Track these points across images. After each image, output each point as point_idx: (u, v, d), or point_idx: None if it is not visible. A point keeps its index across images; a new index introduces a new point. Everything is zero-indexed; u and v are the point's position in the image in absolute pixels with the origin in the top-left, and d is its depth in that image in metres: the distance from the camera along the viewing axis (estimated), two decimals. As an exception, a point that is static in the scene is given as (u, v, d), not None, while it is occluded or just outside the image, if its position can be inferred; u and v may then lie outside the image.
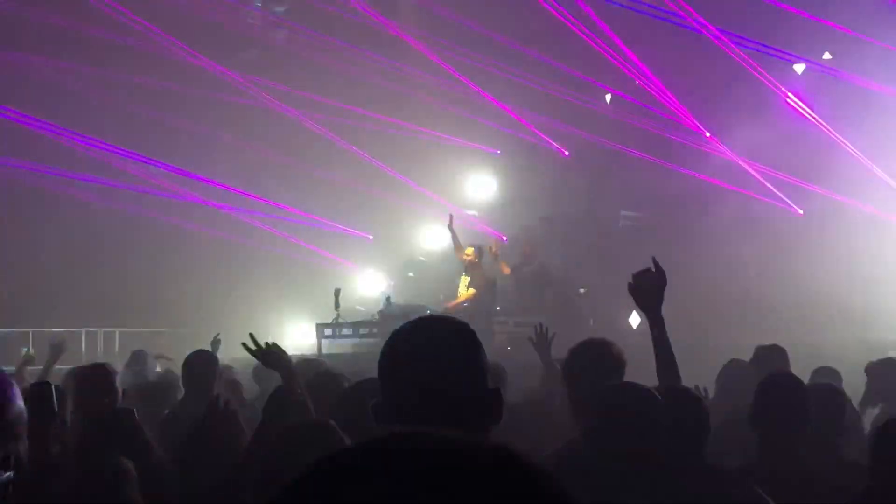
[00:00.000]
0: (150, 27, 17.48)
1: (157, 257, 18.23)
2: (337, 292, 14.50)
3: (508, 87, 17.63)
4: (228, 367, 8.29)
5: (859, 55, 14.29)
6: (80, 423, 5.09)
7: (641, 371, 4.41)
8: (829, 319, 12.54)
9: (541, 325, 6.94)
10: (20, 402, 2.13)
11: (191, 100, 18.34)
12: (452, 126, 18.55)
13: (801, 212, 16.21)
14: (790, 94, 15.84)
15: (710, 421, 3.83)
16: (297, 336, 17.15)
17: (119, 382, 5.65)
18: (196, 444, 4.59)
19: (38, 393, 3.75)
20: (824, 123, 15.56)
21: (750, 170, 16.21)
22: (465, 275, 14.43)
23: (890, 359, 7.15)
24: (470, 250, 14.51)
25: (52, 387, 3.89)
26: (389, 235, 19.07)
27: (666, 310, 4.36)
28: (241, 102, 18.66)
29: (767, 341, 6.89)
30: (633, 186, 17.11)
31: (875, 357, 7.28)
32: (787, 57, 15.57)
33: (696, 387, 4.76)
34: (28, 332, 16.03)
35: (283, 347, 5.36)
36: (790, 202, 16.31)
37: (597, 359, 4.38)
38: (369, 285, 18.31)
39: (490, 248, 14.64)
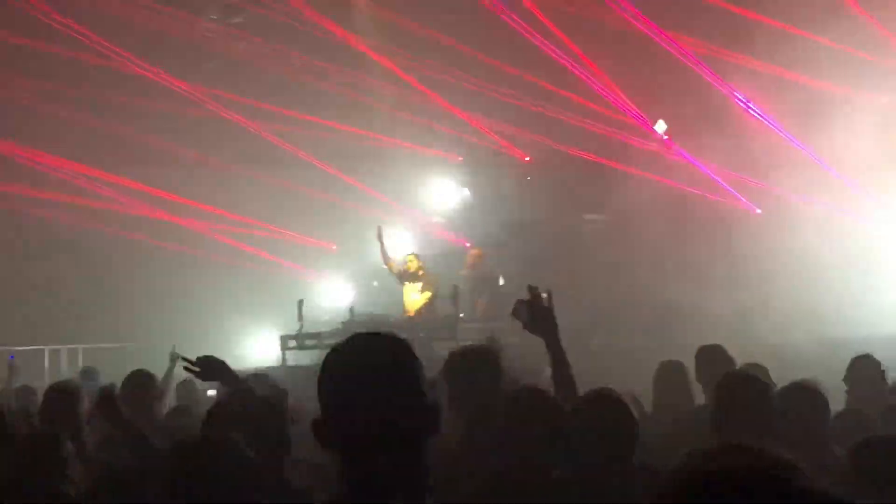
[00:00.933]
0: (105, 42, 17.40)
1: (119, 272, 18.16)
2: (300, 303, 14.48)
3: (469, 95, 17.69)
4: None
5: (808, 55, 14.47)
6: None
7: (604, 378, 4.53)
8: (786, 318, 12.64)
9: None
10: None
11: (149, 113, 18.28)
12: (415, 134, 18.60)
13: (758, 211, 16.39)
14: (738, 95, 16.00)
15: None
16: (262, 348, 17.14)
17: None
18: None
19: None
20: (776, 123, 15.74)
21: (708, 171, 16.37)
22: (411, 283, 14.46)
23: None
24: (411, 258, 14.58)
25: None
26: (353, 245, 19.07)
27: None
28: (200, 115, 18.61)
29: (725, 343, 6.95)
30: (596, 191, 17.24)
31: (838, 356, 7.26)
32: (737, 59, 15.72)
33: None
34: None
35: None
36: (748, 202, 16.49)
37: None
38: (333, 295, 18.29)
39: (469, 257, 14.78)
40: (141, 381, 6.45)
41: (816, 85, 14.61)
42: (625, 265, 14.93)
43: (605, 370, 6.97)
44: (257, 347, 17.77)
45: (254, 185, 18.94)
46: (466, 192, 19.18)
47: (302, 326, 14.35)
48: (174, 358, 9.15)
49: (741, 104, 15.98)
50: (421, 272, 14.48)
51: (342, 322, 14.30)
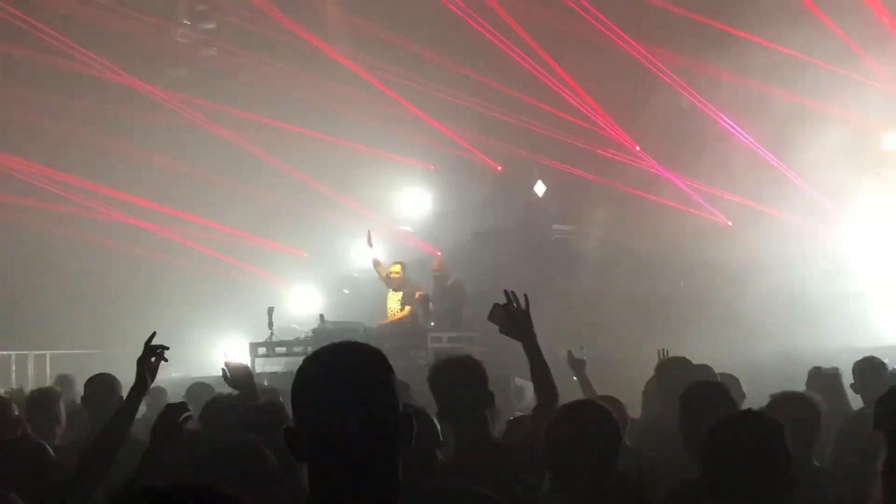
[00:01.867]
0: (76, 47, 17.31)
1: (87, 278, 18.03)
2: (270, 311, 14.43)
3: (440, 103, 17.71)
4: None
5: (783, 68, 14.58)
6: None
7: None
8: (748, 333, 12.70)
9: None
10: None
11: (119, 119, 18.20)
12: (385, 142, 18.58)
13: (729, 223, 16.47)
14: (708, 105, 16.10)
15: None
16: (231, 355, 17.02)
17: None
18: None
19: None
20: (747, 136, 15.85)
21: (678, 182, 16.46)
22: (395, 291, 14.45)
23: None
24: (397, 267, 14.56)
25: None
26: (323, 252, 19.03)
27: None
28: (171, 121, 18.54)
29: (693, 354, 6.96)
30: (566, 201, 17.30)
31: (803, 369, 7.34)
32: (711, 71, 15.82)
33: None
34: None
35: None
36: (718, 213, 16.57)
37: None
38: (303, 302, 18.23)
39: (433, 265, 14.75)
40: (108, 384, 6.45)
41: (789, 98, 14.72)
42: (596, 275, 14.98)
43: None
44: (226, 354, 17.65)
45: (223, 191, 18.86)
46: (436, 200, 19.16)
47: (272, 334, 14.30)
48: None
49: (714, 116, 16.07)
50: (404, 279, 14.45)
51: (312, 329, 14.26)
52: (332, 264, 18.55)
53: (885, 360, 7.27)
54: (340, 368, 2.28)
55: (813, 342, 11.58)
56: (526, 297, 4.74)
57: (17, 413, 5.47)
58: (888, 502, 3.53)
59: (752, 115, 15.48)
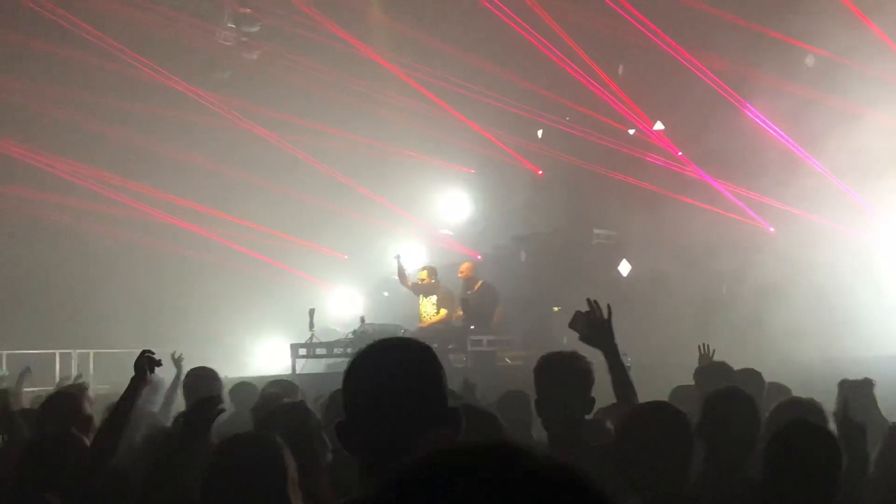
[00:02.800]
0: (122, 48, 17.52)
1: (131, 278, 18.21)
2: (311, 312, 14.54)
3: (482, 107, 17.73)
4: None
5: (832, 75, 14.48)
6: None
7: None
8: (788, 338, 12.59)
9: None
10: None
11: (163, 120, 18.39)
12: (427, 146, 18.65)
13: (771, 229, 16.34)
14: (751, 110, 16.00)
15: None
16: (272, 356, 17.17)
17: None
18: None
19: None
20: (791, 140, 15.73)
21: (721, 188, 16.35)
22: (426, 296, 14.43)
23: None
24: (424, 273, 14.57)
25: None
26: (364, 254, 19.10)
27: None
28: (214, 123, 18.71)
29: (736, 361, 6.92)
30: (606, 205, 17.23)
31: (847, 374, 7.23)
32: (755, 76, 15.72)
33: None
34: (1, 354, 16.03)
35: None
36: (762, 219, 16.44)
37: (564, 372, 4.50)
38: (344, 304, 18.33)
39: (460, 269, 14.69)
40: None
41: (829, 101, 14.60)
42: (634, 281, 14.94)
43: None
44: (266, 355, 17.80)
45: (266, 193, 19.00)
46: (476, 204, 19.19)
47: (313, 335, 14.40)
48: (179, 361, 9.09)
49: (756, 120, 15.97)
50: (433, 284, 14.45)
51: (353, 331, 14.33)
52: (373, 267, 18.61)
53: None
54: (393, 363, 2.33)
55: (851, 351, 11.47)
56: (609, 307, 4.77)
57: (89, 410, 5.56)
58: None
59: (794, 119, 15.34)
